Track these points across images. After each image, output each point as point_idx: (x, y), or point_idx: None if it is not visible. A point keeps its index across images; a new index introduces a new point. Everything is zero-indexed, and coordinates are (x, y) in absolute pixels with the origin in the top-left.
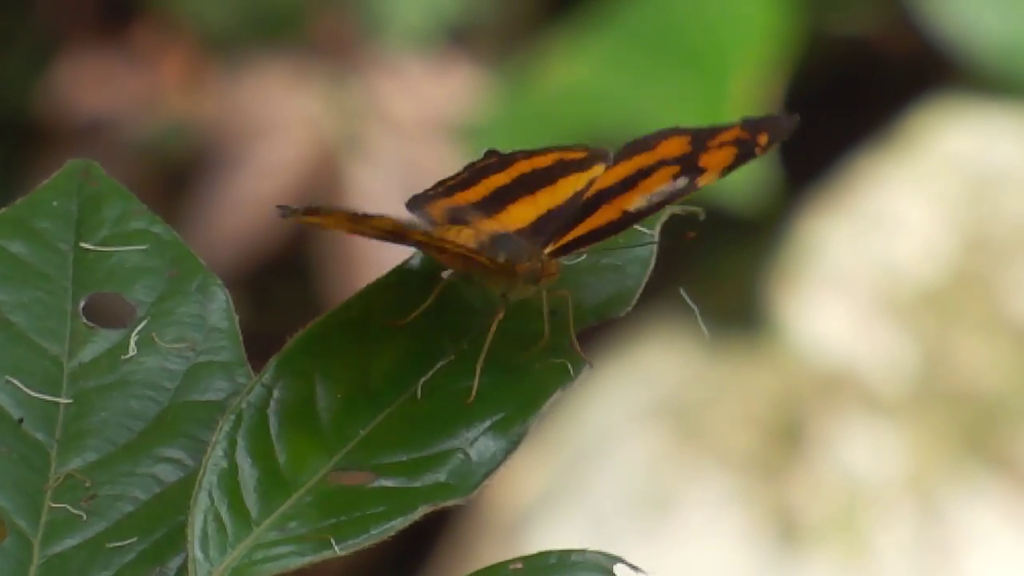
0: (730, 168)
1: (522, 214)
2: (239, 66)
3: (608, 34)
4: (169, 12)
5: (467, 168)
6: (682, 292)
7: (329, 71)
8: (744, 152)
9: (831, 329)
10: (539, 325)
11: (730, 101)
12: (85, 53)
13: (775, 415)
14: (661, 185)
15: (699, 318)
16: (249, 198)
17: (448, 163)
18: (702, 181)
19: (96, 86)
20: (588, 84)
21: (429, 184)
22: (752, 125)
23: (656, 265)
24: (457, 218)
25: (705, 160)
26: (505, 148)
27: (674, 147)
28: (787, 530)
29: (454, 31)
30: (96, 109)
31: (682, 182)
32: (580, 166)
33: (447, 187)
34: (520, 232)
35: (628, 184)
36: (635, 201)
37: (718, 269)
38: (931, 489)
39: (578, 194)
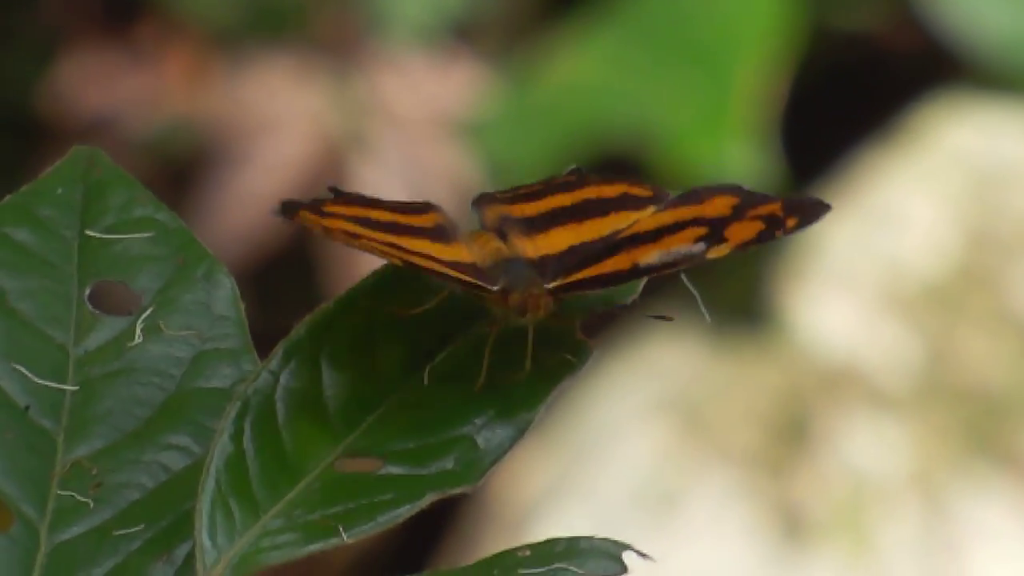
0: (746, 245)
1: (559, 241)
2: (242, 63)
3: (612, 30)
4: (172, 10)
5: (545, 180)
6: (683, 279)
7: (332, 68)
8: (769, 231)
9: (836, 325)
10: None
11: (735, 97)
12: (88, 50)
13: (780, 411)
14: (680, 245)
15: (700, 305)
16: (253, 195)
17: (452, 159)
18: (714, 253)
19: (99, 83)
20: (592, 80)
21: (432, 180)
22: (791, 206)
23: None
24: (501, 229)
25: (732, 231)
26: (508, 143)
27: (720, 206)
28: (792, 526)
29: (458, 27)
30: (99, 106)
31: (699, 248)
32: (637, 204)
33: (517, 194)
34: (542, 260)
35: (656, 235)
36: (649, 256)
37: (722, 264)
38: (936, 485)
39: (615, 233)
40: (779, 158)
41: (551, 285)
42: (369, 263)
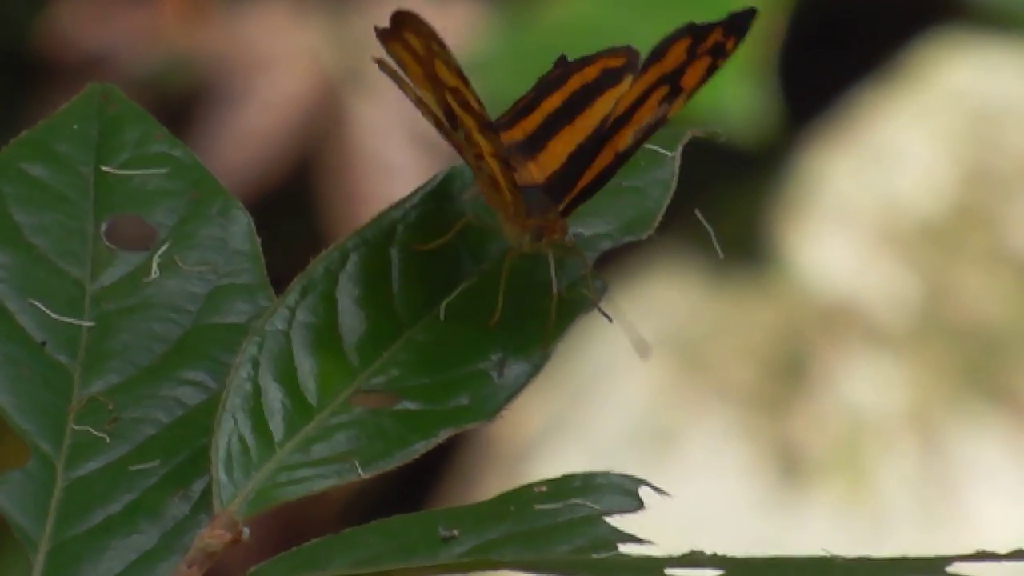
0: (698, 86)
1: (559, 153)
2: (240, 0)
3: None
4: None
5: (537, 83)
6: (697, 213)
7: (330, 5)
8: (715, 62)
9: (833, 263)
10: (563, 246)
11: None
12: None
13: (777, 349)
14: (648, 115)
15: (714, 239)
16: (250, 132)
17: None
18: (674, 109)
19: (97, 20)
20: (589, 18)
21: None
22: (728, 26)
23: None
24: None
25: (686, 78)
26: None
27: (677, 55)
28: (789, 464)
29: None
30: (97, 43)
31: (662, 110)
32: (616, 78)
33: (515, 112)
34: (549, 180)
35: (630, 113)
36: (626, 139)
37: (720, 202)
38: (933, 423)
39: (604, 121)
40: (777, 97)
41: (562, 206)
42: (370, 199)
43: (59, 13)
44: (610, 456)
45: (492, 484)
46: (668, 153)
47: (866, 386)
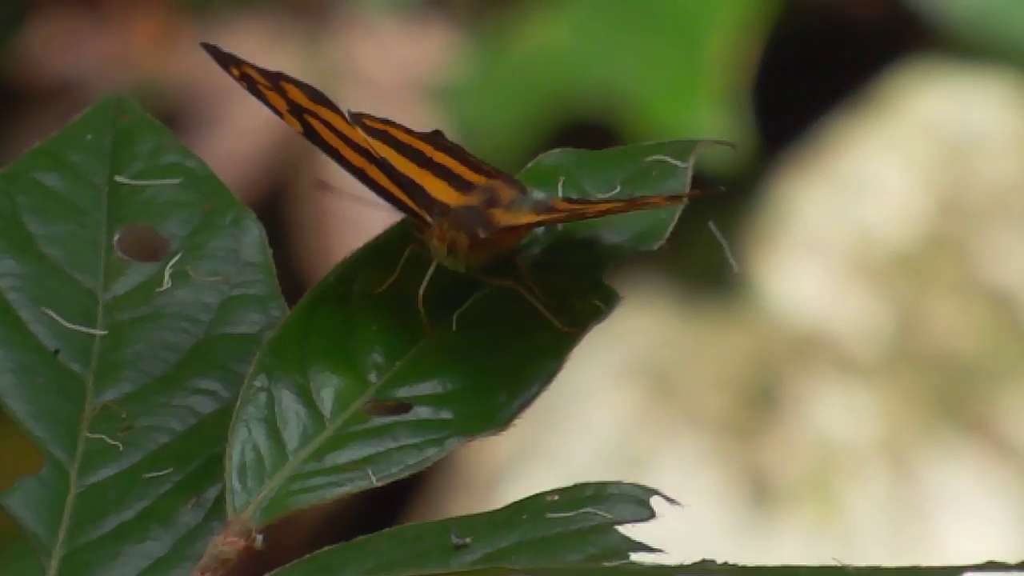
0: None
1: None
2: (213, 26)
3: None
4: None
5: None
6: (711, 226)
7: (304, 31)
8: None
9: (805, 291)
10: (576, 256)
11: (706, 63)
12: (58, 13)
13: (749, 376)
14: None
15: (728, 252)
16: (223, 158)
17: (423, 124)
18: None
19: (68, 46)
20: (564, 45)
21: None
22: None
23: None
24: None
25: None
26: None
27: None
28: (760, 491)
29: None
30: (68, 69)
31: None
32: None
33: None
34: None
35: None
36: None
37: (692, 231)
38: (904, 451)
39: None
40: (750, 125)
41: (482, 235)
42: (342, 228)
43: (30, 38)
44: (581, 481)
45: (462, 510)
46: (680, 164)
47: (837, 414)
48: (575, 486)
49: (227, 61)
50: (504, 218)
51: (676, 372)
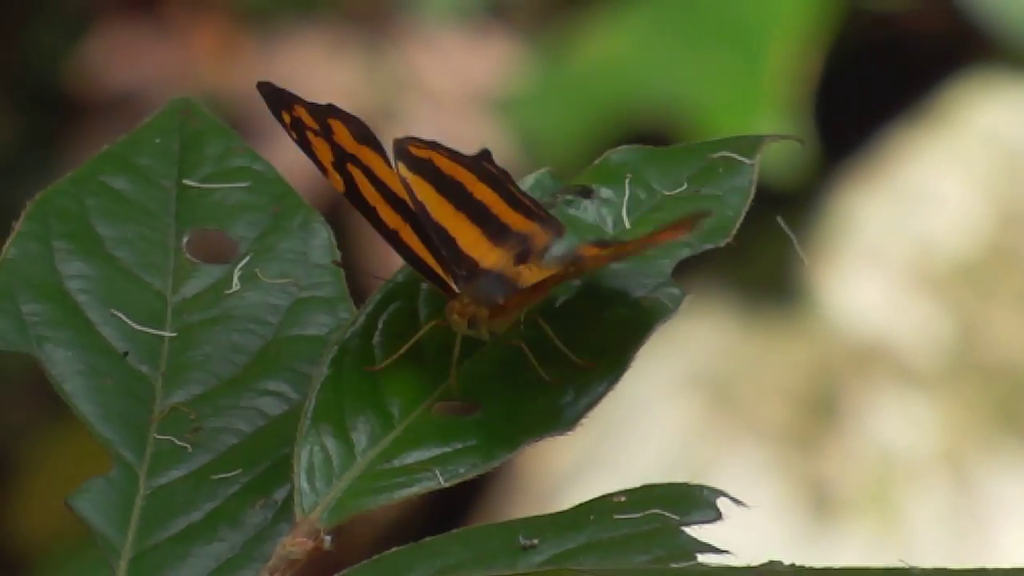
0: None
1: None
2: (275, 38)
3: (646, 7)
4: None
5: None
6: (779, 220)
7: (366, 42)
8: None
9: (866, 302)
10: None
11: (768, 74)
12: (118, 25)
13: (809, 387)
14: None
15: (796, 245)
16: (286, 169)
17: (484, 135)
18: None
19: (129, 58)
20: (625, 55)
21: (463, 144)
22: None
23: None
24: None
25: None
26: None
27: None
28: (821, 502)
29: (491, 2)
30: (128, 81)
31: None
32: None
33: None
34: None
35: None
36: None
37: (753, 241)
38: (964, 461)
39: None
40: (811, 135)
41: (502, 302)
42: None
43: (91, 50)
44: None
45: None
46: (746, 160)
47: (898, 424)
48: (642, 487)
49: (279, 105)
50: (529, 277)
51: (737, 382)
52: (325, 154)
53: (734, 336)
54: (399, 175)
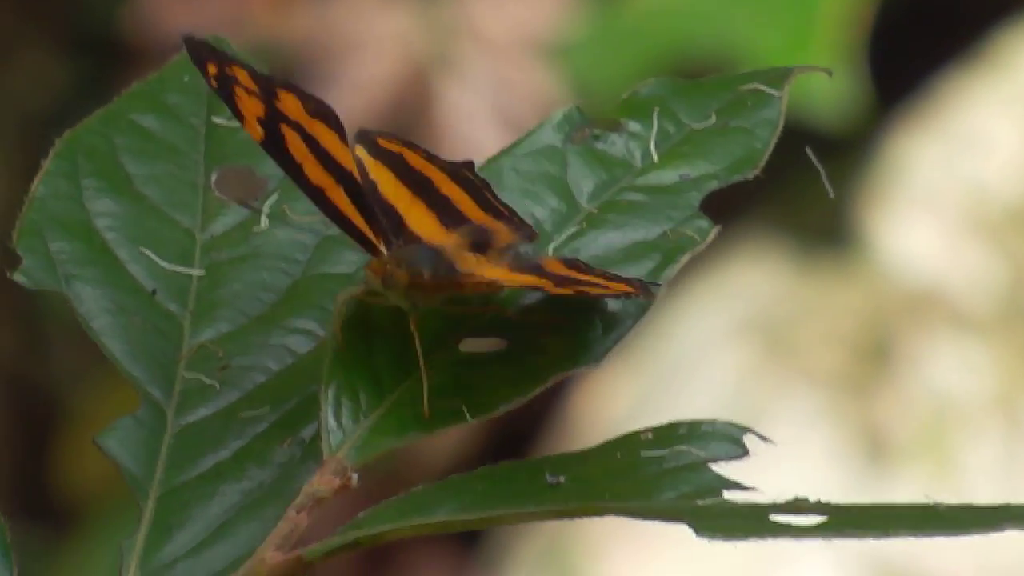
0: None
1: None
2: None
3: None
4: None
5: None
6: (808, 152)
7: None
8: None
9: (920, 247)
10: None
11: (821, 19)
12: None
13: (863, 333)
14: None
15: (824, 180)
16: (341, 115)
17: (538, 81)
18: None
19: (183, 6)
20: (680, 2)
21: (518, 102)
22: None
23: (743, 183)
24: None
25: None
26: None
27: None
28: (875, 448)
29: None
30: (183, 28)
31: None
32: None
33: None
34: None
35: None
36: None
37: (807, 187)
38: (1019, 407)
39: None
40: (864, 80)
41: (427, 277)
42: None
43: None
44: None
45: None
46: (774, 92)
47: (952, 370)
48: (669, 424)
49: (204, 57)
50: (473, 265)
51: (791, 328)
52: (253, 108)
53: (788, 282)
54: (354, 154)
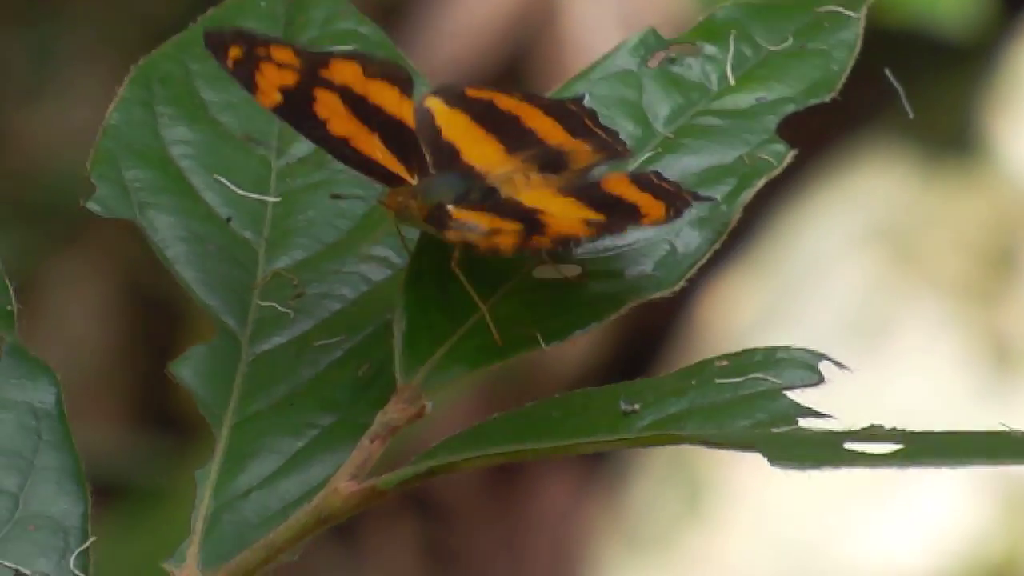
0: None
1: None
2: None
3: None
4: None
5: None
6: (887, 73)
7: None
8: None
9: None
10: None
11: None
12: None
13: (989, 240)
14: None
15: (904, 99)
16: (465, 25)
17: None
18: None
19: None
20: None
21: (644, 12)
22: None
23: (868, 91)
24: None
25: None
26: None
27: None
28: (1002, 355)
29: None
30: None
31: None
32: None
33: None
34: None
35: None
36: None
37: (932, 95)
38: None
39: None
40: None
41: (450, 207)
42: None
43: None
44: (822, 347)
45: None
46: (852, 14)
47: None
48: (744, 351)
49: (227, 41)
50: (527, 189)
51: (917, 236)
52: (278, 79)
53: (914, 189)
54: (421, 105)
